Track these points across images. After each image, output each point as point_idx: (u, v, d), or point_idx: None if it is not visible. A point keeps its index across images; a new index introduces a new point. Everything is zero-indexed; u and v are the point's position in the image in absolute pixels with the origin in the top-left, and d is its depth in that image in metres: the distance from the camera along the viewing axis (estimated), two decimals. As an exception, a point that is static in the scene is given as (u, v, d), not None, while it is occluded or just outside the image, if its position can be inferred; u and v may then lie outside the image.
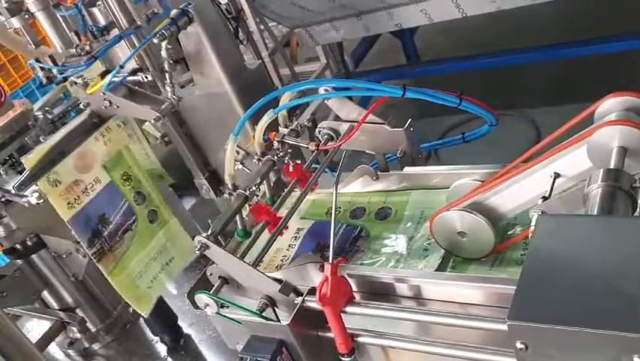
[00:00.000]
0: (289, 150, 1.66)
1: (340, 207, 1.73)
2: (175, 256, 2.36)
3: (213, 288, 1.41)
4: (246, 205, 1.54)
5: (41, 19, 2.49)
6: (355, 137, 1.64)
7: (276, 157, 1.62)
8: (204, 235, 1.40)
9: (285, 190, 1.64)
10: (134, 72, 2.28)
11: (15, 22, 2.34)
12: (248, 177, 1.58)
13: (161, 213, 2.35)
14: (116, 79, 2.08)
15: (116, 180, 2.19)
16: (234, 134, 1.53)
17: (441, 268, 1.43)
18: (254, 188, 1.53)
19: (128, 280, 2.20)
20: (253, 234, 1.54)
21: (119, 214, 2.20)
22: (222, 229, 1.46)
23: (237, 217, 1.56)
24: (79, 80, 2.12)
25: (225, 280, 1.43)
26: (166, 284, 2.35)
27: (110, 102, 2.09)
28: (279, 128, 1.69)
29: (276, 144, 1.64)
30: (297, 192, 1.67)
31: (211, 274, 1.45)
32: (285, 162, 1.64)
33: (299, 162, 1.67)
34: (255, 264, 1.42)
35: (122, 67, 2.07)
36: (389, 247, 1.57)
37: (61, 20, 2.60)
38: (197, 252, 1.40)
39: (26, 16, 2.48)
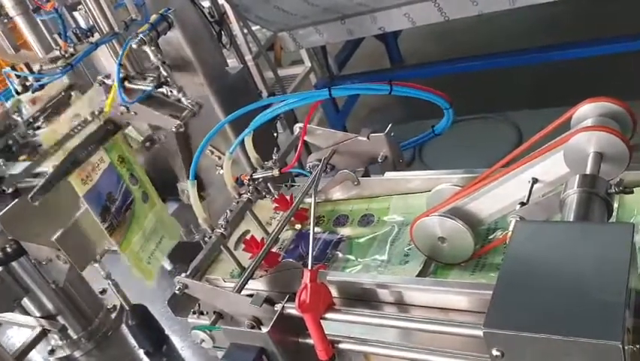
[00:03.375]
0: (261, 182, 1.68)
1: (324, 217, 1.73)
2: (164, 235, 2.54)
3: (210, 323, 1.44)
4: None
5: (21, 23, 2.47)
6: (336, 157, 1.69)
7: (250, 194, 1.65)
8: (184, 275, 1.43)
9: (278, 225, 1.63)
10: (159, 85, 2.24)
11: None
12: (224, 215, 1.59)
13: (151, 196, 2.50)
14: (142, 87, 2.07)
15: (114, 161, 2.32)
16: (191, 179, 1.53)
17: (422, 273, 1.43)
18: (225, 225, 1.54)
19: (134, 254, 2.37)
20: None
21: (121, 193, 2.35)
22: (206, 268, 1.51)
23: (231, 258, 1.56)
24: (108, 81, 2.10)
25: (220, 315, 1.45)
26: (161, 261, 2.53)
27: (127, 109, 2.06)
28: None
29: (246, 183, 1.67)
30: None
31: (207, 313, 1.47)
32: (264, 194, 1.68)
33: (276, 194, 1.70)
34: (239, 290, 1.41)
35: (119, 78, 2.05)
36: (370, 252, 1.57)
37: (41, 25, 2.57)
38: (178, 292, 1.42)
39: (5, 21, 2.45)
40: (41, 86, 2.14)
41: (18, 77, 2.08)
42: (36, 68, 2.16)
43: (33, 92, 2.19)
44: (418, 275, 1.42)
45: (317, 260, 1.51)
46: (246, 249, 1.54)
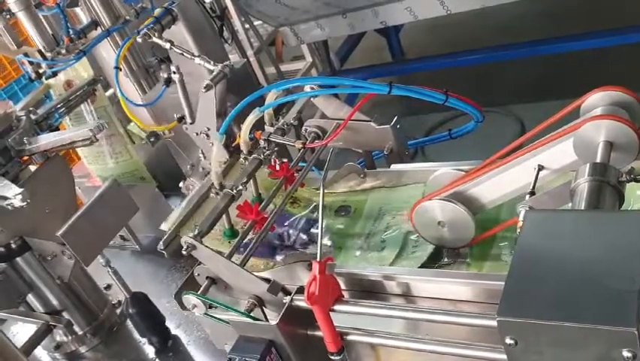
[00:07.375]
0: (275, 149, 1.65)
1: (300, 201, 1.74)
2: None
3: (201, 288, 1.40)
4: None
5: (23, 19, 2.46)
6: (342, 134, 1.63)
7: (262, 156, 1.61)
8: (191, 235, 1.39)
9: (272, 190, 1.63)
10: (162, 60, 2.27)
11: (-4, 23, 2.30)
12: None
13: None
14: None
15: None
16: (220, 133, 1.52)
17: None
18: (240, 187, 1.52)
19: None
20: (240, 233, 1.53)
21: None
22: (209, 229, 1.45)
23: (224, 217, 1.55)
24: None
25: (213, 281, 1.42)
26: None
27: None
28: (265, 126, 1.69)
29: (262, 143, 1.63)
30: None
31: (198, 275, 1.44)
32: (272, 160, 1.64)
33: (285, 160, 1.67)
34: (243, 264, 1.41)
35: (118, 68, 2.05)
36: (349, 241, 1.59)
37: (43, 20, 2.56)
38: (184, 252, 1.39)
39: (7, 16, 2.44)
40: (54, 73, 2.13)
41: (31, 63, 2.07)
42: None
43: (46, 79, 2.17)
44: (391, 264, 1.44)
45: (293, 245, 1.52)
46: (240, 215, 1.54)
